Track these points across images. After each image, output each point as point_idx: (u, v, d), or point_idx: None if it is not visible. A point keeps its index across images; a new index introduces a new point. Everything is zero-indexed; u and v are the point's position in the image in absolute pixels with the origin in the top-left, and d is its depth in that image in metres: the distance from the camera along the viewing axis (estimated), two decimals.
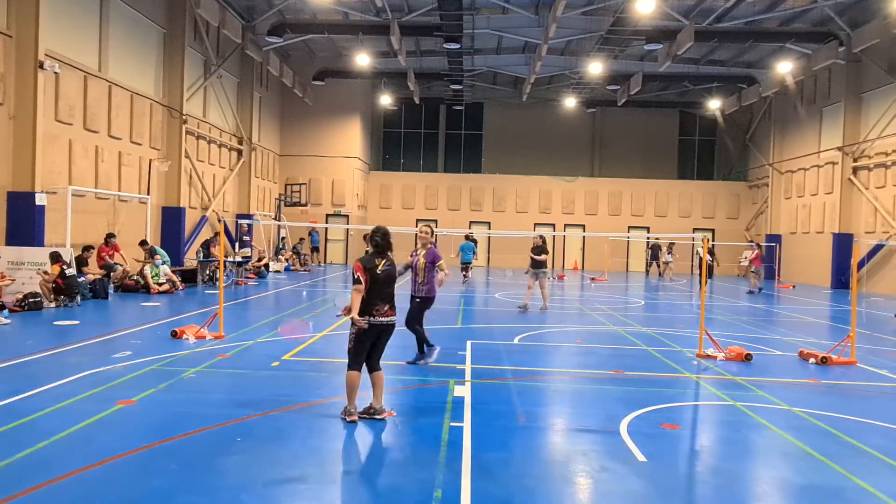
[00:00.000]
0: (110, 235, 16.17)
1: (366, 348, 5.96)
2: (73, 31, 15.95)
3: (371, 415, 5.96)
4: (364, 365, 5.99)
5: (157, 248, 17.50)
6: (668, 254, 28.10)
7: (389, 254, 6.14)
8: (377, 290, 5.92)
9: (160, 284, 16.13)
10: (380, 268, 5.97)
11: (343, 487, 4.55)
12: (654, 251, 30.65)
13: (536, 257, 14.73)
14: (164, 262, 16.79)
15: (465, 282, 21.14)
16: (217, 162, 24.45)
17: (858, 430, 6.19)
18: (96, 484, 4.42)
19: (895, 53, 22.51)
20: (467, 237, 22.40)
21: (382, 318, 5.94)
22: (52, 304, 12.85)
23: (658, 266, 30.25)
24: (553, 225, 34.98)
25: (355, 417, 5.88)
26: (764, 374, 8.67)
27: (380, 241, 6.09)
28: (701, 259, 23.06)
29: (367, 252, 6.18)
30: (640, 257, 34.71)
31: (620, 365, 8.93)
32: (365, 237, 6.35)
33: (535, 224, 34.93)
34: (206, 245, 19.68)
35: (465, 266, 21.40)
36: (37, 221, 13.99)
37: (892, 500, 4.51)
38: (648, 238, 32.67)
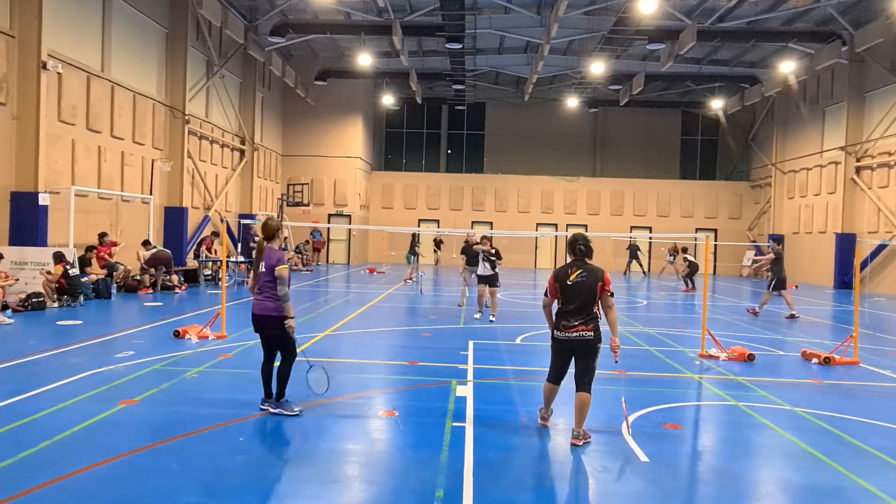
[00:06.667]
0: (102, 234, 16.06)
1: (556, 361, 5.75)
2: (76, 31, 15.98)
3: (573, 438, 5.55)
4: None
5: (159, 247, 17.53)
6: (669, 255, 28.12)
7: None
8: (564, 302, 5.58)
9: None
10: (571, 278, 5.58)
11: (345, 487, 4.55)
12: (632, 251, 30.71)
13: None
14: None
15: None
16: (219, 162, 24.48)
17: (861, 430, 6.18)
18: (98, 483, 4.43)
19: None
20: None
21: (570, 333, 5.56)
22: (55, 304, 12.88)
23: (641, 265, 30.66)
24: (555, 225, 34.96)
25: (546, 423, 5.96)
26: (766, 374, 8.66)
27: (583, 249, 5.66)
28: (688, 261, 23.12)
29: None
30: (642, 258, 34.64)
31: (622, 365, 8.88)
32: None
33: (538, 224, 34.94)
34: (199, 244, 19.85)
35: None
36: (40, 221, 14.03)
37: (894, 501, 4.51)
38: (632, 237, 32.51)
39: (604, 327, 5.61)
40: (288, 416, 5.95)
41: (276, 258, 6.04)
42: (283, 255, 6.13)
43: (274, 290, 6.02)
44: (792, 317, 14.69)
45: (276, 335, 6.09)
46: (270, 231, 6.19)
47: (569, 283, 5.56)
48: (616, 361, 5.61)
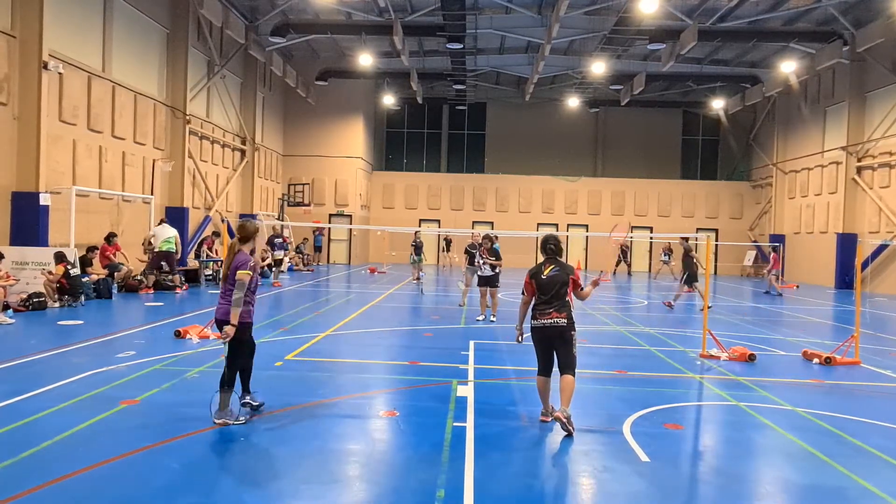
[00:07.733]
0: (112, 235, 16.16)
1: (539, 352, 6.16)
2: (77, 31, 15.99)
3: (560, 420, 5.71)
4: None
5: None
6: (664, 255, 28.15)
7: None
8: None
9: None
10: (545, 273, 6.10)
11: (345, 487, 4.55)
12: (623, 251, 30.90)
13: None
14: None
15: None
16: (220, 162, 24.49)
17: (861, 430, 6.17)
18: (98, 483, 4.43)
19: None
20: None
21: (545, 320, 5.99)
22: (56, 304, 12.87)
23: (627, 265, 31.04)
24: (556, 225, 34.93)
25: (547, 418, 6.09)
26: (767, 374, 8.65)
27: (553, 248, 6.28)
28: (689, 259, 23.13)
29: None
30: (643, 257, 34.69)
31: (623, 365, 8.92)
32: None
33: (539, 224, 34.92)
34: (200, 244, 19.90)
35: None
36: (41, 221, 14.05)
37: (895, 501, 4.51)
38: (631, 237, 32.48)
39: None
40: (233, 424, 5.62)
41: (240, 261, 5.70)
42: (248, 259, 5.74)
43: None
44: (669, 305, 16.24)
45: (232, 339, 5.76)
46: (247, 232, 5.87)
47: (543, 277, 6.08)
48: (602, 273, 6.46)
